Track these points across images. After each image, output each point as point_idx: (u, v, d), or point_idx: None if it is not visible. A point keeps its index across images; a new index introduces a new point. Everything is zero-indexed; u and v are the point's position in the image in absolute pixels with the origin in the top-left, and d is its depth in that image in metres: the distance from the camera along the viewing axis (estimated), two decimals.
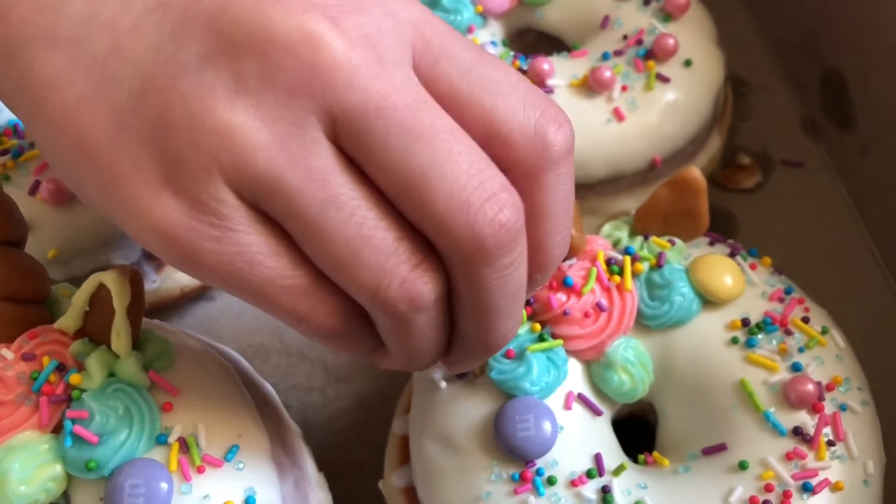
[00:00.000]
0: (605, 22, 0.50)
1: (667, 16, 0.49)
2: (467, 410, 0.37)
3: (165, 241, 0.26)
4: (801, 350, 0.38)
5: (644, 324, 0.39)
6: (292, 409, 0.47)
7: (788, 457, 0.36)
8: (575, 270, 0.38)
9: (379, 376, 0.49)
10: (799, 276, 0.42)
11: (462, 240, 0.26)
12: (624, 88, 0.47)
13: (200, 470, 0.32)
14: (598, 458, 0.36)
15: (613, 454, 0.37)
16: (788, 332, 0.38)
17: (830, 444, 0.36)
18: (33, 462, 0.31)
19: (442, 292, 0.28)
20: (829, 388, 0.37)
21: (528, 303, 0.38)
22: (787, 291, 0.40)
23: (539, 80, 0.47)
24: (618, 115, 0.46)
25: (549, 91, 0.47)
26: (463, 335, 0.30)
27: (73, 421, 0.31)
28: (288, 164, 0.26)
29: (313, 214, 0.26)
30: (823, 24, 0.55)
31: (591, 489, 0.35)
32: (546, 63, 0.47)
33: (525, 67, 0.47)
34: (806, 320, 0.39)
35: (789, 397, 0.36)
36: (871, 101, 0.52)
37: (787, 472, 0.35)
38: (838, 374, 0.38)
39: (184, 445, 0.32)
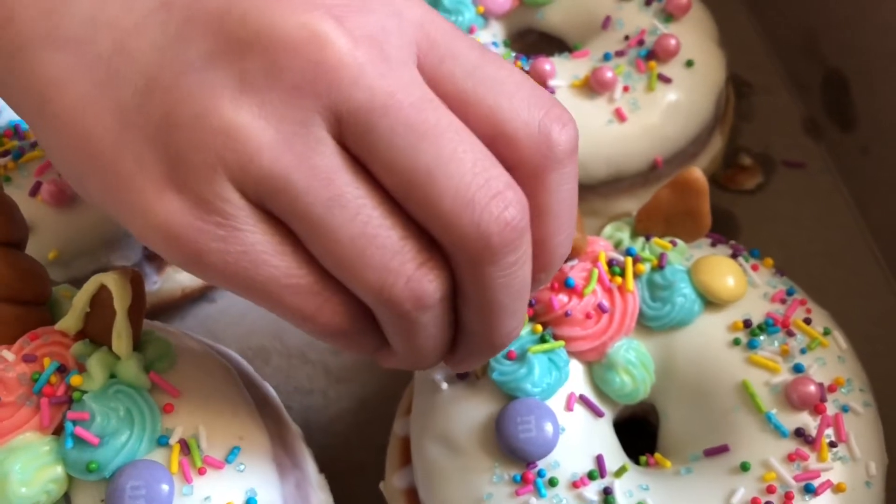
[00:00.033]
0: (606, 22, 0.50)
1: (668, 16, 0.49)
2: (469, 412, 0.37)
3: (170, 241, 0.26)
4: (802, 351, 0.38)
5: (646, 325, 0.39)
6: (293, 411, 0.47)
7: (790, 458, 0.36)
8: (576, 271, 0.38)
9: (380, 378, 0.49)
10: (800, 277, 0.42)
11: (467, 238, 0.26)
12: (625, 89, 0.47)
13: (201, 471, 0.32)
14: (599, 460, 0.36)
15: (615, 455, 0.37)
16: (790, 334, 0.38)
17: (832, 445, 0.36)
18: (34, 463, 0.31)
19: (447, 291, 0.28)
20: (831, 389, 0.37)
21: (529, 304, 0.38)
22: (789, 292, 0.40)
23: (540, 81, 0.47)
24: (619, 116, 0.46)
25: (551, 92, 0.47)
26: (467, 334, 0.30)
27: (74, 422, 0.31)
28: (293, 163, 0.26)
29: (318, 213, 0.26)
30: (825, 25, 0.55)
31: (592, 491, 0.35)
32: (547, 64, 0.47)
33: (526, 68, 0.47)
34: (808, 321, 0.39)
35: (791, 398, 0.36)
36: (872, 102, 0.52)
37: (789, 473, 0.35)
38: (840, 376, 0.38)
39: (185, 447, 0.32)
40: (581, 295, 0.38)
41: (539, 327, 0.37)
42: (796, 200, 0.54)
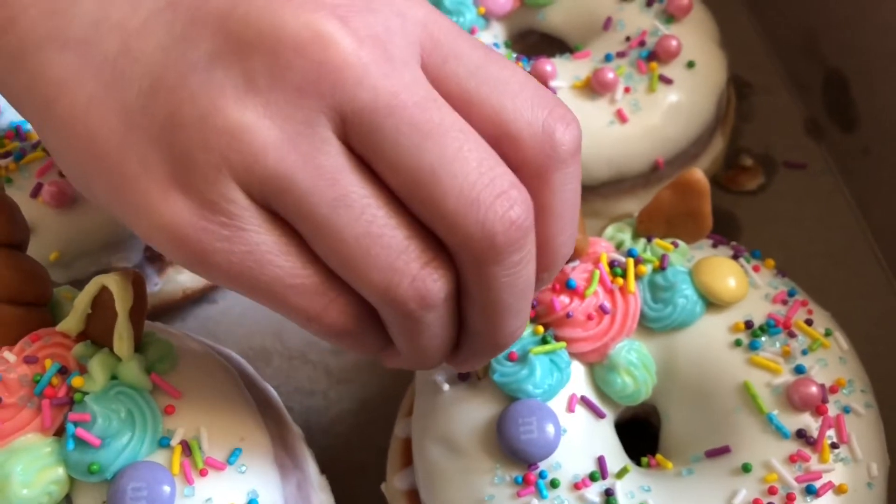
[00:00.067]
0: (607, 23, 0.50)
1: (669, 17, 0.49)
2: (470, 413, 0.37)
3: (175, 241, 0.26)
4: (804, 352, 0.38)
5: (647, 326, 0.39)
6: (294, 412, 0.47)
7: (792, 459, 0.36)
8: (578, 273, 0.38)
9: (381, 379, 0.49)
10: (802, 278, 0.42)
11: (472, 237, 0.26)
12: (627, 90, 0.47)
13: (203, 473, 0.32)
14: (601, 461, 0.36)
15: (616, 457, 0.37)
16: (792, 335, 0.38)
17: (834, 446, 0.36)
18: (35, 465, 0.31)
19: (451, 290, 0.28)
20: (833, 390, 0.37)
21: (531, 305, 0.38)
22: (791, 294, 0.40)
23: (542, 82, 0.46)
24: (620, 117, 0.46)
25: (552, 93, 0.47)
26: (471, 333, 0.30)
27: (76, 424, 0.31)
28: (298, 163, 0.26)
29: (323, 213, 0.26)
30: (825, 25, 0.55)
31: (594, 492, 0.35)
32: (549, 65, 0.47)
33: (527, 69, 0.47)
34: (809, 322, 0.39)
35: (793, 400, 0.36)
36: (873, 103, 0.52)
37: (791, 474, 0.35)
38: (842, 377, 0.37)
39: (186, 448, 0.32)
40: (582, 296, 0.38)
41: (540, 328, 0.37)
42: (797, 201, 0.54)
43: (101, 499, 0.32)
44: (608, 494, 0.35)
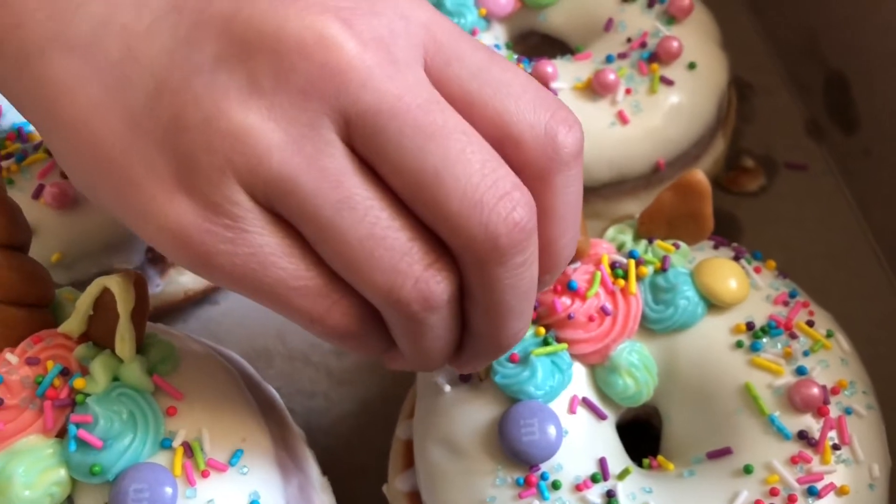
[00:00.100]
0: (608, 25, 0.50)
1: (670, 18, 0.49)
2: (471, 415, 0.37)
3: (179, 243, 0.26)
4: (805, 354, 0.38)
5: (648, 327, 0.39)
6: (296, 413, 0.47)
7: (793, 461, 0.35)
8: (579, 274, 0.38)
9: (382, 380, 0.49)
10: (803, 279, 0.42)
11: (476, 239, 0.26)
12: (628, 91, 0.47)
13: (205, 474, 0.32)
14: (602, 463, 0.36)
15: (618, 458, 0.37)
16: (793, 336, 0.38)
17: (836, 447, 0.36)
18: (37, 466, 0.31)
19: (454, 292, 0.28)
20: (835, 391, 0.37)
21: (533, 307, 0.38)
22: (792, 295, 0.40)
23: (543, 83, 0.46)
24: (622, 118, 0.46)
25: (553, 94, 0.47)
26: (474, 335, 0.30)
27: (78, 425, 0.31)
28: (302, 165, 0.26)
29: (327, 215, 0.26)
30: (826, 26, 0.55)
31: (595, 493, 0.35)
32: (550, 66, 0.47)
33: (529, 70, 0.47)
34: (811, 324, 0.39)
35: (794, 401, 0.36)
36: (874, 104, 0.52)
37: (793, 475, 0.35)
38: (843, 378, 0.37)
39: (188, 450, 0.32)
40: (584, 297, 0.38)
41: (542, 330, 0.37)
42: (798, 202, 0.54)
43: (102, 500, 0.32)
44: (610, 496, 0.35)
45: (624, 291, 0.38)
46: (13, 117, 0.48)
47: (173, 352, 0.34)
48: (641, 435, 0.41)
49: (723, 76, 0.50)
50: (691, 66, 0.48)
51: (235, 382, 0.36)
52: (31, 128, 0.47)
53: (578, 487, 0.35)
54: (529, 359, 0.36)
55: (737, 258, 0.41)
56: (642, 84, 0.47)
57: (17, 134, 0.46)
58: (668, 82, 0.47)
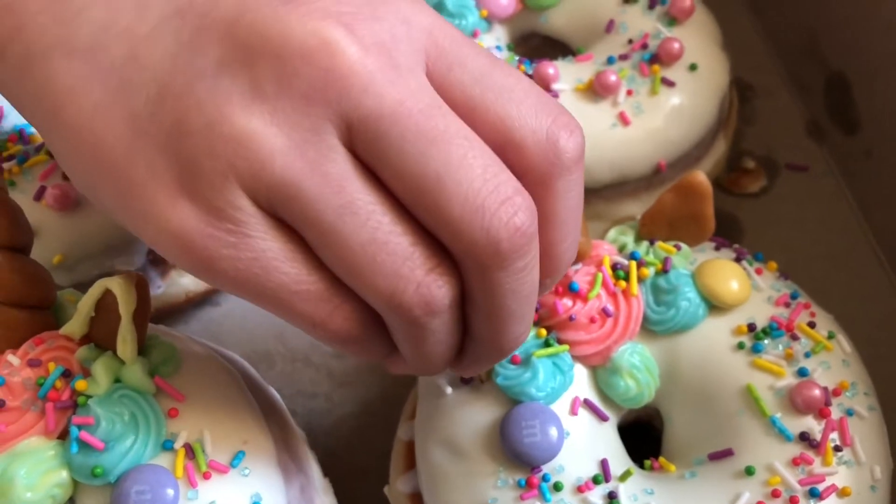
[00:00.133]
0: (610, 26, 0.50)
1: (672, 20, 0.49)
2: (473, 416, 0.37)
3: (182, 248, 0.26)
4: (807, 355, 0.38)
5: (650, 329, 0.39)
6: (297, 415, 0.47)
7: (795, 462, 0.35)
8: (581, 276, 0.38)
9: (383, 381, 0.49)
10: (804, 281, 0.42)
11: (477, 243, 0.26)
12: (629, 93, 0.47)
13: (206, 476, 0.32)
14: (604, 464, 0.36)
15: (620, 460, 0.37)
16: (794, 337, 0.38)
17: (837, 449, 0.36)
18: (39, 468, 0.31)
19: (456, 296, 0.28)
20: (836, 393, 0.37)
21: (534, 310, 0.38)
22: (793, 296, 0.40)
23: (544, 85, 0.47)
24: (623, 120, 0.46)
25: (554, 95, 0.47)
26: (475, 339, 0.30)
27: (79, 427, 0.31)
28: (304, 170, 0.26)
29: (329, 220, 0.26)
30: (827, 27, 0.55)
31: (597, 495, 0.35)
32: (551, 67, 0.47)
33: (530, 72, 0.47)
34: (812, 325, 0.39)
35: (796, 402, 0.36)
36: (875, 105, 0.52)
37: (794, 477, 0.35)
38: (845, 379, 0.37)
39: (190, 451, 0.32)
40: (585, 299, 0.38)
41: (543, 331, 0.37)
42: (800, 204, 0.54)
43: (104, 502, 0.32)
44: (611, 497, 0.35)
45: (625, 293, 0.38)
46: (15, 119, 0.48)
47: (175, 353, 0.34)
48: (643, 436, 0.41)
49: (724, 77, 0.50)
50: (692, 67, 0.48)
51: (237, 384, 0.36)
52: (33, 130, 0.47)
53: (580, 489, 0.35)
54: (531, 360, 0.36)
55: (738, 259, 0.41)
56: (643, 85, 0.47)
57: (19, 136, 0.46)
58: (669, 83, 0.47)
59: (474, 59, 0.28)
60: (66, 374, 0.32)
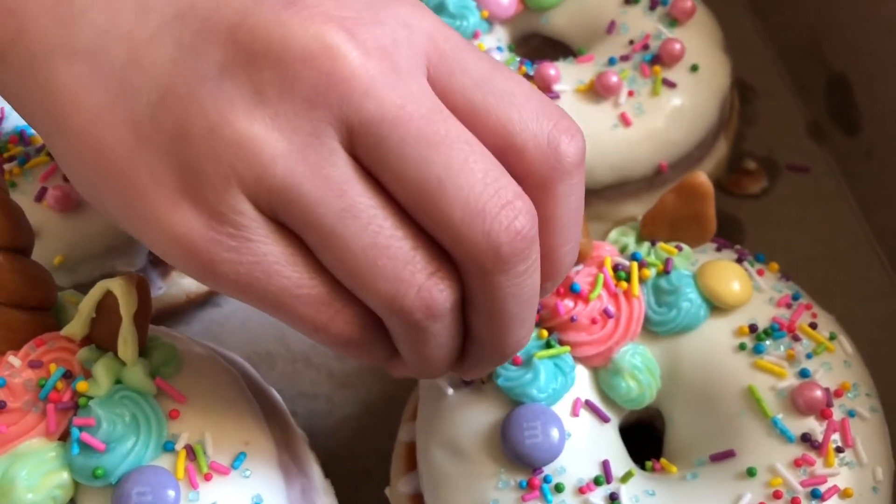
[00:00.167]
0: (611, 27, 0.50)
1: (673, 21, 0.49)
2: (474, 417, 0.37)
3: (184, 252, 0.26)
4: (808, 356, 0.38)
5: (651, 330, 0.39)
6: (298, 416, 0.47)
7: (797, 463, 0.35)
8: (582, 276, 0.38)
9: (384, 383, 0.49)
10: (805, 281, 0.42)
11: (478, 247, 0.26)
12: (630, 94, 0.47)
13: (207, 477, 0.32)
14: (605, 465, 0.36)
15: (621, 461, 0.37)
16: (796, 338, 0.38)
17: (839, 450, 0.36)
18: (40, 469, 0.31)
19: (457, 300, 0.28)
20: (838, 394, 0.37)
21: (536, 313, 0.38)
22: (795, 297, 0.40)
23: (545, 86, 0.47)
24: (624, 121, 0.46)
25: (556, 96, 0.47)
26: (477, 343, 0.30)
27: (80, 428, 0.31)
28: (306, 174, 0.26)
29: (330, 224, 0.26)
30: (828, 29, 0.55)
31: (598, 496, 0.35)
32: (552, 68, 0.47)
33: (531, 73, 0.47)
34: (814, 326, 0.39)
35: (797, 403, 0.36)
36: (876, 106, 0.52)
37: (796, 478, 0.35)
38: (846, 380, 0.37)
39: (191, 453, 0.32)
40: (587, 300, 0.38)
41: (545, 332, 0.37)
42: (801, 205, 0.54)
43: (105, 503, 0.32)
44: (613, 499, 0.35)
45: (627, 294, 0.38)
46: (16, 120, 0.48)
47: (176, 354, 0.34)
48: (644, 437, 0.41)
49: (725, 78, 0.50)
50: (694, 68, 0.48)
51: (238, 385, 0.36)
52: (34, 131, 0.47)
53: (581, 490, 0.35)
54: (532, 361, 0.36)
55: (739, 260, 0.41)
56: (645, 86, 0.47)
57: (20, 137, 0.46)
58: (670, 84, 0.47)
59: (475, 64, 0.28)
60: (68, 376, 0.32)
